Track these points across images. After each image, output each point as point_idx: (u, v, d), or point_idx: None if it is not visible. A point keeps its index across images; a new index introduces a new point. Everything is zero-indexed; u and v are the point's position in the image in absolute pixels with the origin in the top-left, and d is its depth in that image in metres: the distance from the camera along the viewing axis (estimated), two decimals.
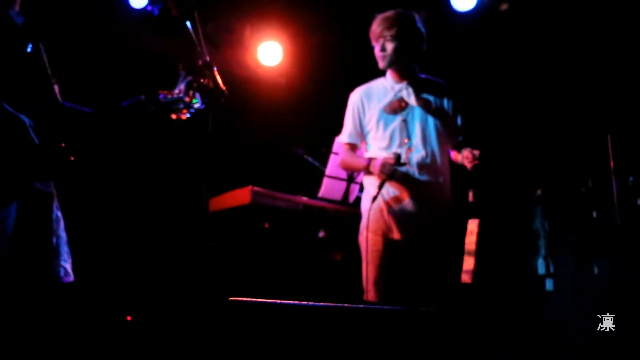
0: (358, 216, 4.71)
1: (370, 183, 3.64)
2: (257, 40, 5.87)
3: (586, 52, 5.50)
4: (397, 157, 3.43)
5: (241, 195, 4.24)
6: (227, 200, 4.32)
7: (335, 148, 4.55)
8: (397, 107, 3.61)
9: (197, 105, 2.77)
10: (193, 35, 2.80)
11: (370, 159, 3.54)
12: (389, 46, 3.58)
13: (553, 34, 5.62)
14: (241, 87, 5.70)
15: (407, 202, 3.51)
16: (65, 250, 2.68)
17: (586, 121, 5.35)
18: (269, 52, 5.89)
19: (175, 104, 2.73)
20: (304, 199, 4.48)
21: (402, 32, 3.58)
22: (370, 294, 3.45)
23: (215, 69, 2.80)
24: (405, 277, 3.50)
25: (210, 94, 2.82)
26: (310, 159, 4.83)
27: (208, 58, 2.80)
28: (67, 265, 2.66)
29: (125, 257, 4.71)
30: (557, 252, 5.12)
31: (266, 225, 4.41)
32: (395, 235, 3.49)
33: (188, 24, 2.82)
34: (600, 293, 4.94)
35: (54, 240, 2.61)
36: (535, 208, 5.23)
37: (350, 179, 4.56)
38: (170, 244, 4.72)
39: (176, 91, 2.73)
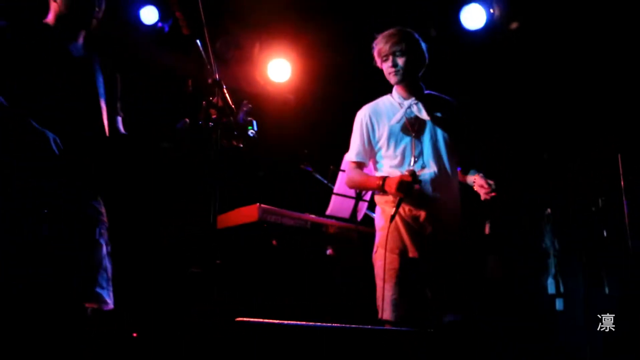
0: (366, 234, 4.69)
1: (383, 201, 3.60)
2: (266, 57, 5.90)
3: (598, 70, 5.49)
4: (413, 174, 3.39)
5: (249, 213, 4.21)
6: (235, 217, 4.29)
7: (343, 166, 4.54)
8: (408, 123, 3.57)
9: (250, 133, 2.79)
10: (203, 53, 2.80)
11: (384, 178, 3.47)
12: (400, 61, 3.56)
13: (563, 51, 5.62)
14: (250, 104, 5.72)
15: (423, 220, 3.46)
16: (104, 277, 2.71)
17: (597, 140, 5.33)
18: (278, 69, 5.91)
19: (228, 130, 2.76)
20: (312, 216, 4.46)
21: (410, 46, 3.58)
22: (386, 313, 3.37)
23: (224, 87, 2.80)
24: (422, 296, 3.44)
25: (219, 112, 2.81)
26: (318, 176, 4.81)
27: (217, 76, 2.80)
28: (104, 292, 2.68)
29: (131, 272, 4.70)
30: (568, 271, 5.08)
31: (274, 242, 4.38)
32: (412, 253, 3.43)
33: (198, 42, 2.82)
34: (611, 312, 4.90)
35: (87, 264, 2.64)
36: (545, 227, 5.20)
37: (359, 197, 4.54)
38: (178, 261, 4.70)
39: (232, 118, 2.77)
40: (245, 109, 2.85)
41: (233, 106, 2.82)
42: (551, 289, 5.09)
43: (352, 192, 4.55)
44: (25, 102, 2.59)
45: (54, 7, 2.83)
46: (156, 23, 5.47)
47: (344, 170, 4.52)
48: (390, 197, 3.52)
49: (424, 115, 3.56)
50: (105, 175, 2.86)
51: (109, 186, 2.89)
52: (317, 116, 5.96)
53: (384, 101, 3.72)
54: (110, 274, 2.78)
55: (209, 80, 2.82)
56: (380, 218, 3.61)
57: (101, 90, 2.84)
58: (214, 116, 2.79)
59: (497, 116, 5.79)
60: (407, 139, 3.55)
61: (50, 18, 2.85)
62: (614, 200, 4.88)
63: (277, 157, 5.48)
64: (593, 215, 5.07)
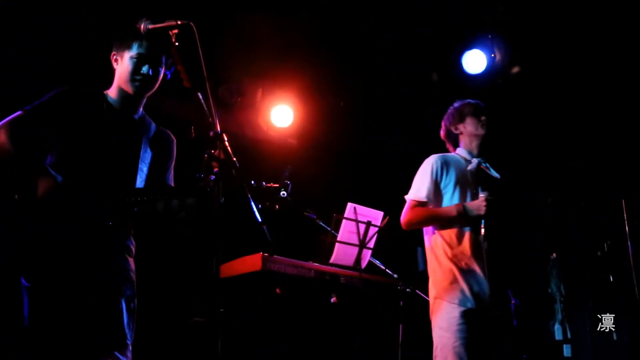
0: (370, 281, 4.65)
1: (441, 253, 3.67)
2: (269, 103, 5.93)
3: (603, 113, 5.51)
4: (491, 194, 3.60)
5: (252, 262, 4.19)
6: (238, 266, 4.27)
7: (347, 213, 4.52)
8: (476, 176, 3.75)
9: (282, 194, 2.81)
10: (204, 106, 2.80)
11: (462, 204, 3.63)
12: (488, 123, 3.88)
13: (564, 94, 5.65)
14: (253, 149, 5.74)
15: (480, 272, 3.58)
16: (126, 339, 2.69)
17: (602, 184, 5.32)
18: (281, 115, 5.95)
19: (267, 195, 2.78)
20: (315, 265, 4.43)
21: None
22: None
23: (226, 140, 2.78)
24: (482, 345, 3.52)
25: (221, 165, 2.80)
26: (322, 223, 4.80)
27: (219, 129, 2.80)
28: (122, 356, 2.66)
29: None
30: (575, 316, 5.03)
31: (278, 291, 4.35)
32: (470, 303, 3.54)
33: (200, 95, 2.82)
34: (619, 358, 4.84)
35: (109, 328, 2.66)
36: (551, 272, 5.16)
37: (363, 245, 4.52)
38: (181, 311, 4.66)
39: (276, 184, 2.79)
40: (287, 173, 2.90)
41: (235, 159, 2.81)
42: (558, 334, 5.03)
43: (355, 240, 4.53)
44: (64, 162, 2.69)
45: (117, 79, 2.91)
46: None
47: (347, 218, 4.51)
48: (447, 247, 3.64)
49: (493, 173, 3.80)
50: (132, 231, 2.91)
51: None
52: (319, 161, 5.97)
53: (450, 156, 3.90)
54: (128, 332, 2.76)
55: (211, 133, 2.81)
56: (437, 270, 3.69)
57: (145, 155, 2.90)
58: (215, 169, 2.78)
59: (499, 160, 5.78)
60: (469, 191, 3.73)
61: (112, 90, 2.92)
62: (619, 244, 4.85)
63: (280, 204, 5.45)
64: (599, 259, 5.04)
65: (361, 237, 4.53)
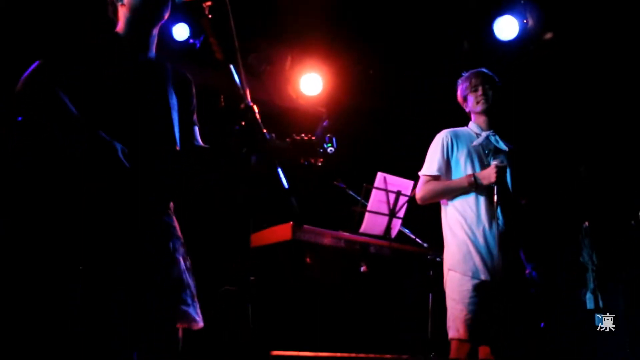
0: (399, 251, 4.66)
1: (453, 222, 3.71)
2: (298, 72, 5.90)
3: (633, 77, 5.40)
4: (501, 162, 3.65)
5: (282, 231, 4.23)
6: (269, 235, 4.31)
7: (376, 183, 4.51)
8: (487, 149, 3.80)
9: (330, 150, 2.74)
10: (236, 78, 2.78)
11: (473, 175, 3.67)
12: (490, 92, 3.85)
13: (597, 60, 5.54)
14: (282, 118, 5.73)
15: (494, 243, 3.62)
16: (187, 294, 2.63)
17: (636, 152, 5.24)
18: (310, 83, 5.92)
19: (306, 148, 2.71)
20: (345, 234, 4.45)
21: (495, 85, 3.90)
22: (460, 332, 3.50)
23: (257, 112, 2.76)
24: (494, 315, 3.54)
25: (252, 137, 2.78)
26: (352, 192, 4.80)
27: (250, 102, 2.77)
28: (191, 309, 2.61)
29: None
30: (608, 287, 4.99)
31: (308, 260, 4.38)
32: (484, 275, 3.58)
33: (232, 67, 2.80)
34: None
35: (166, 282, 2.59)
36: (583, 240, 5.11)
37: (392, 214, 4.52)
38: (212, 279, 4.70)
39: (313, 137, 2.72)
40: (324, 124, 2.82)
41: (265, 130, 2.79)
42: (590, 304, 5.00)
43: (385, 209, 4.52)
44: (94, 118, 2.52)
45: (123, 13, 2.75)
46: (187, 39, 5.51)
47: (377, 188, 4.50)
48: (461, 219, 3.67)
49: (502, 146, 3.81)
50: (177, 189, 2.84)
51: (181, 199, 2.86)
52: (349, 130, 5.95)
53: (462, 130, 3.93)
54: (194, 290, 2.70)
55: (242, 106, 2.79)
56: (451, 242, 3.73)
57: (172, 101, 2.83)
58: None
59: (532, 128, 5.72)
60: (480, 163, 3.77)
61: (120, 26, 2.76)
62: None
63: (310, 173, 5.45)
64: (632, 228, 4.97)
65: (391, 206, 4.53)
